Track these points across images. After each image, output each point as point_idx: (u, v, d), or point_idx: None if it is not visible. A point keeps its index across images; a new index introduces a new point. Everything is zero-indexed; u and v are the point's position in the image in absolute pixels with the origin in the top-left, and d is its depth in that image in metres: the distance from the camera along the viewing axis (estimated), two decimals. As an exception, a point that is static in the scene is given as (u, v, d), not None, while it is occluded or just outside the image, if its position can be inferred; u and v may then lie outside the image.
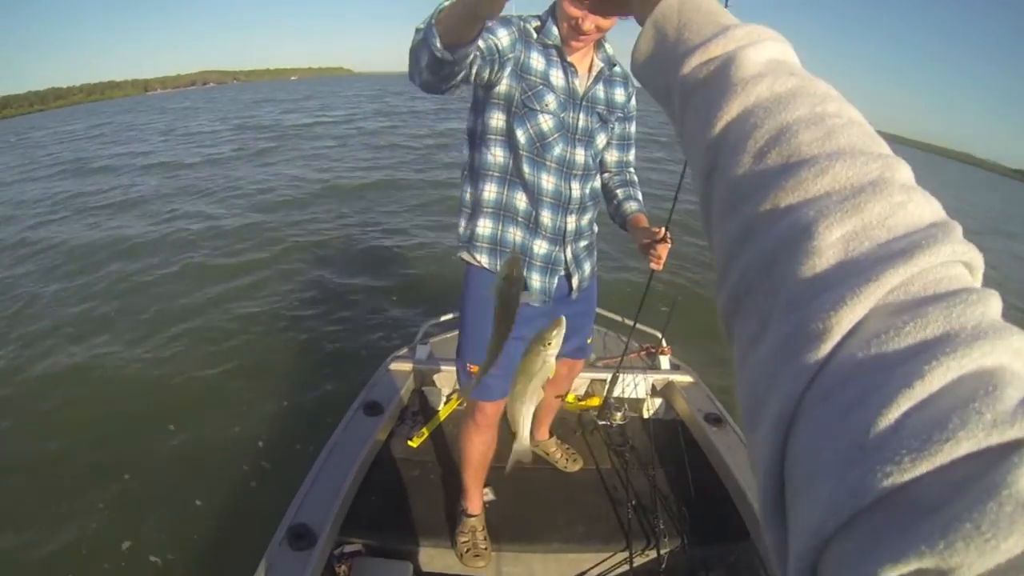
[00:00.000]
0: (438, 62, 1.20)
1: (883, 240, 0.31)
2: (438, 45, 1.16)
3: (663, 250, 1.73)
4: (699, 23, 0.46)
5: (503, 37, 1.48)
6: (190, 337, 4.78)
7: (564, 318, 1.26)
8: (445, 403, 2.82)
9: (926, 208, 0.32)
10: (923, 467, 0.23)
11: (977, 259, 0.31)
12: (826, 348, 0.29)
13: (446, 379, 2.82)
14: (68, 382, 4.24)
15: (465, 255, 1.82)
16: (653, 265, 1.77)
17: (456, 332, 1.99)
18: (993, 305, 0.28)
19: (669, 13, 0.48)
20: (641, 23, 0.52)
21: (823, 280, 0.31)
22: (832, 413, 0.27)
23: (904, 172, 0.34)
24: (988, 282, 0.30)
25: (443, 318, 3.00)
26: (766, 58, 0.42)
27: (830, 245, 0.31)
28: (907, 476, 0.23)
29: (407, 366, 2.81)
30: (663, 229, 1.74)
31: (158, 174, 12.04)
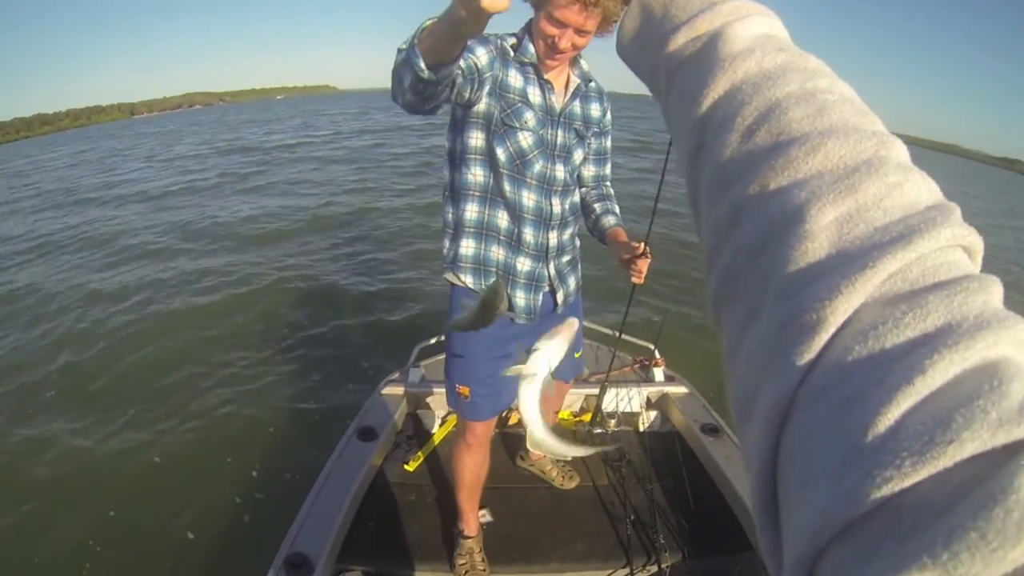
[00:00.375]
0: (421, 82, 1.21)
1: (879, 223, 0.29)
2: (421, 65, 1.16)
3: (643, 264, 1.75)
4: None
5: (481, 56, 1.49)
6: (176, 368, 4.68)
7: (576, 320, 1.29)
8: (440, 425, 2.81)
9: (923, 189, 0.31)
10: (925, 471, 0.21)
11: (977, 243, 0.30)
12: (820, 340, 0.27)
13: (440, 401, 2.80)
14: (51, 414, 4.17)
15: (450, 276, 1.82)
16: (635, 280, 1.79)
17: None
18: (995, 292, 0.26)
19: None
20: (627, 3, 0.51)
21: (816, 266, 0.29)
22: (827, 411, 0.25)
23: (899, 151, 0.32)
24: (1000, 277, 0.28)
25: (433, 340, 2.99)
26: (754, 33, 0.40)
27: (823, 228, 0.29)
28: (908, 481, 0.21)
29: (400, 390, 2.80)
30: (643, 244, 1.75)
31: (136, 205, 11.64)
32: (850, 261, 0.28)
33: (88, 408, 4.25)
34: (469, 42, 1.48)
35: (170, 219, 9.98)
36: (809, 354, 0.27)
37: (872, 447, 0.23)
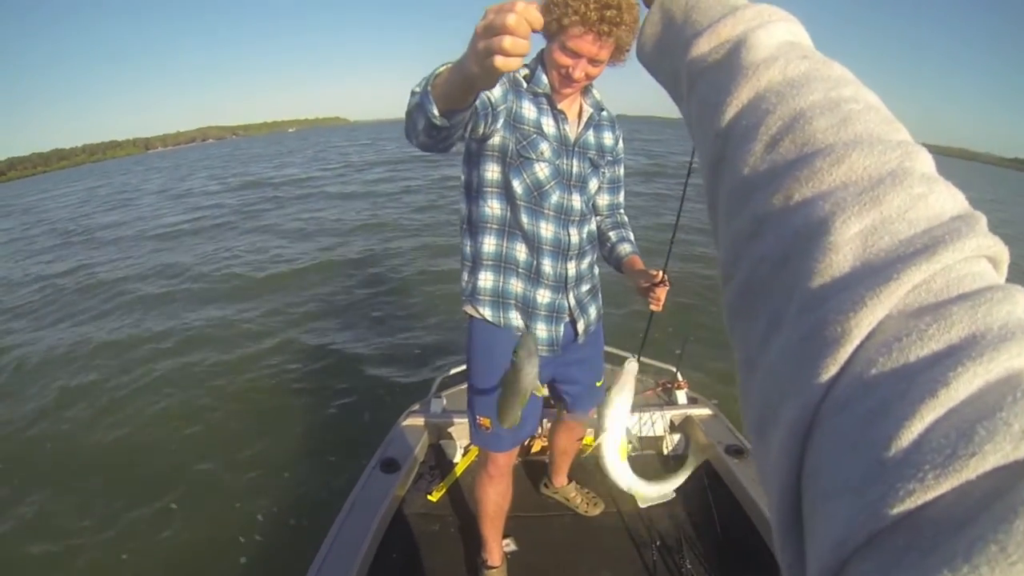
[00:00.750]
0: (435, 128, 1.20)
1: (903, 235, 0.29)
2: (434, 112, 1.15)
3: (662, 292, 1.74)
4: (707, 4, 0.45)
5: (495, 89, 1.47)
6: (195, 406, 4.63)
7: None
8: (462, 455, 2.80)
9: (948, 200, 0.30)
10: (947, 484, 0.21)
11: (1003, 252, 0.29)
12: (844, 353, 0.27)
13: (462, 431, 2.79)
14: (58, 457, 4.12)
15: (468, 308, 1.82)
16: (653, 307, 1.78)
17: None
18: (1020, 302, 0.26)
19: None
20: (647, 3, 0.51)
21: (840, 279, 0.29)
22: (851, 424, 0.25)
23: (924, 161, 0.32)
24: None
25: (454, 371, 3.00)
26: (778, 40, 0.40)
27: (847, 241, 0.29)
28: (930, 494, 0.21)
29: (422, 421, 2.79)
30: (660, 272, 1.74)
31: (147, 243, 11.38)
32: (874, 273, 0.28)
33: (101, 451, 4.19)
34: None
35: (179, 260, 9.77)
36: (833, 367, 0.27)
37: (895, 460, 0.23)
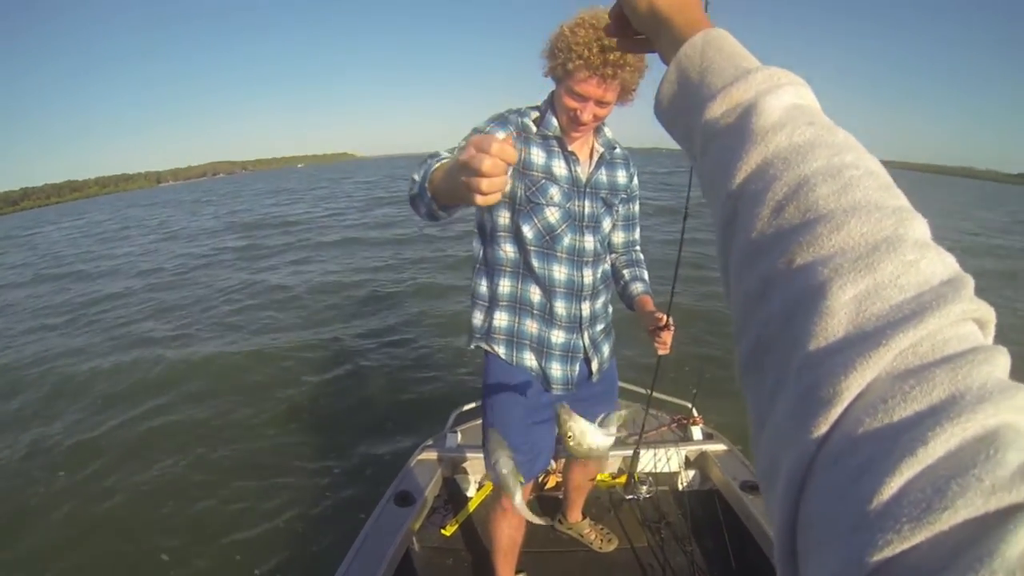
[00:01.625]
0: (436, 217, 1.25)
1: (894, 301, 0.31)
2: (434, 206, 1.19)
3: (667, 336, 1.76)
4: (720, 66, 0.47)
5: None
6: (193, 442, 4.56)
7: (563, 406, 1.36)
8: (477, 490, 2.79)
9: (938, 266, 0.32)
10: (922, 535, 0.23)
11: (988, 314, 0.31)
12: (836, 412, 0.29)
13: (477, 466, 2.79)
14: (51, 507, 3.96)
15: (483, 345, 1.83)
16: (660, 351, 1.80)
17: None
18: (1000, 363, 0.28)
19: (692, 54, 0.49)
20: (666, 62, 0.53)
21: (835, 342, 0.31)
22: (841, 479, 0.27)
23: (918, 227, 0.34)
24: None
25: (469, 406, 2.99)
26: (786, 105, 0.42)
27: (843, 305, 0.31)
28: (907, 544, 0.23)
29: (436, 455, 2.78)
30: (665, 316, 1.76)
31: (143, 293, 10.52)
32: (865, 338, 0.30)
33: (95, 498, 4.04)
34: (490, 127, 1.57)
35: (180, 295, 9.60)
36: (825, 425, 0.30)
37: (877, 512, 0.25)
